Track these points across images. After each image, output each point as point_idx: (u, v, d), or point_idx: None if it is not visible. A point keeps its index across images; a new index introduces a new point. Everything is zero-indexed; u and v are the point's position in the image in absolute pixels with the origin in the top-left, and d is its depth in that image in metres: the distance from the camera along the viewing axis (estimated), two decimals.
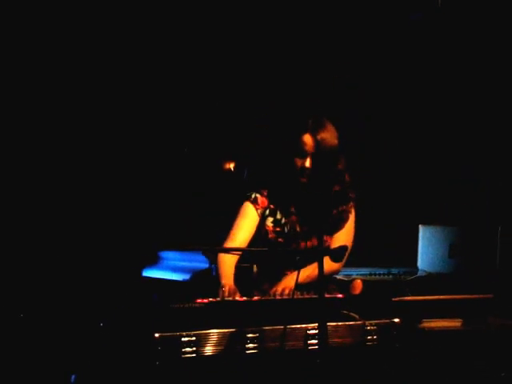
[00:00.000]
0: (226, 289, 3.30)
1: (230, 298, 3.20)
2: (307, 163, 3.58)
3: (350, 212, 3.73)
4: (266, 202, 3.71)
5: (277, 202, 3.71)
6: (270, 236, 3.67)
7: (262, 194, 3.72)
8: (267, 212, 3.70)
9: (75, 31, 5.03)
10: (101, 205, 5.12)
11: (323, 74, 5.63)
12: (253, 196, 3.71)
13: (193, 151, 5.94)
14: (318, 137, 3.57)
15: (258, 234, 3.68)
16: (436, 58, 5.56)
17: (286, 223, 3.68)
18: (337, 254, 3.13)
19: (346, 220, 3.71)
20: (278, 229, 3.68)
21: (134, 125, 5.51)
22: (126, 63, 5.32)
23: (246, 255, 3.70)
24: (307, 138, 3.58)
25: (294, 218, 3.69)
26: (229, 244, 3.61)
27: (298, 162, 3.59)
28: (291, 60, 5.68)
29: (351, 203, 3.74)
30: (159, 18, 5.35)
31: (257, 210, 3.69)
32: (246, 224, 3.68)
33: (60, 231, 4.84)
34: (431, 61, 5.58)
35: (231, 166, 6.31)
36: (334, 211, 3.68)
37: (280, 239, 3.66)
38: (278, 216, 3.70)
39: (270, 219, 3.69)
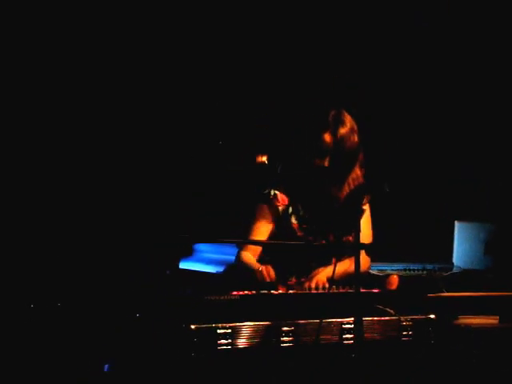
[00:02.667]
0: (264, 270, 3.31)
1: (265, 291, 3.19)
2: (326, 163, 3.53)
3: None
4: (286, 200, 3.65)
5: (298, 198, 3.66)
6: (298, 234, 3.62)
7: (281, 191, 3.67)
8: (290, 210, 3.65)
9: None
10: (138, 198, 5.14)
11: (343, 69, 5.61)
12: (272, 193, 3.65)
13: (227, 144, 5.93)
14: (338, 135, 3.54)
15: (284, 233, 3.64)
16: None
17: (311, 219, 3.64)
18: (371, 249, 3.14)
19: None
20: (304, 226, 3.65)
21: (169, 114, 5.52)
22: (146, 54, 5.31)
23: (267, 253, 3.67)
24: (327, 137, 3.54)
25: (316, 214, 3.65)
26: (248, 248, 3.59)
27: (318, 161, 3.55)
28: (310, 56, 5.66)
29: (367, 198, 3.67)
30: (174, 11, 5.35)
31: (278, 207, 3.62)
32: (263, 225, 3.62)
33: (96, 223, 4.87)
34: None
35: (264, 158, 6.30)
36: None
37: (310, 237, 3.63)
38: (302, 212, 3.65)
39: (294, 216, 3.65)
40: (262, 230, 3.64)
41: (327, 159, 3.53)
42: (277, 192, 3.65)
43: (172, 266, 4.85)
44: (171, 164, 5.46)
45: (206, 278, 4.95)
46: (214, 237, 4.97)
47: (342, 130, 3.54)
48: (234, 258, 5.01)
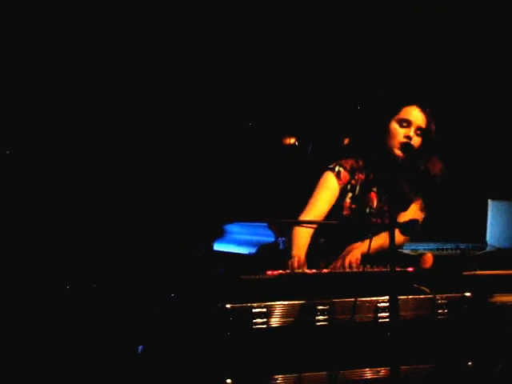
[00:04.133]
0: (296, 260, 3.30)
1: (300, 270, 3.21)
2: (414, 139, 3.56)
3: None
4: (347, 177, 3.67)
5: (362, 175, 3.67)
6: (344, 212, 3.64)
7: (345, 169, 3.68)
8: (348, 187, 3.67)
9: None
10: (173, 182, 5.16)
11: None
12: (336, 169, 3.67)
13: (257, 126, 5.94)
14: (428, 115, 3.59)
15: (332, 209, 3.65)
16: None
17: (363, 199, 3.65)
18: (407, 228, 3.12)
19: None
20: (353, 206, 3.66)
21: (196, 97, 5.54)
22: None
23: (321, 228, 3.67)
24: (415, 110, 3.59)
25: (373, 194, 3.66)
26: (306, 214, 3.58)
27: (401, 131, 3.57)
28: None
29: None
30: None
31: (339, 184, 3.66)
32: (327, 195, 3.63)
33: (135, 207, 4.91)
34: None
35: (293, 140, 6.30)
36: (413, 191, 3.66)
37: (354, 217, 3.63)
38: (357, 192, 3.67)
39: (349, 195, 3.66)
40: (325, 198, 3.64)
41: (414, 135, 3.59)
42: (341, 169, 3.66)
43: (206, 246, 4.88)
44: (209, 143, 5.47)
45: (240, 258, 4.98)
46: (251, 217, 5.00)
47: (432, 126, 3.62)
48: (266, 239, 5.05)
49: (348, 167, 3.68)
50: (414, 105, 3.64)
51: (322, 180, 3.68)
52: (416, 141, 3.59)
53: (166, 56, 5.30)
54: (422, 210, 3.70)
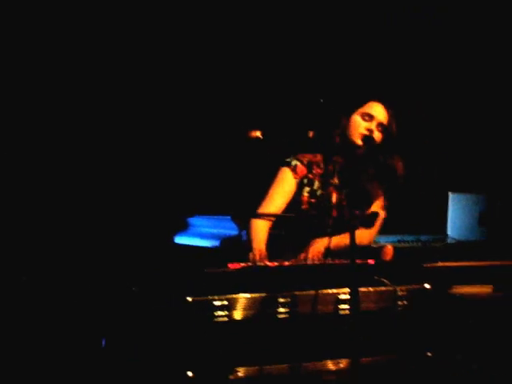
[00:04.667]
0: (257, 253, 3.31)
1: (262, 264, 3.21)
2: (375, 134, 3.58)
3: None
4: (304, 171, 3.68)
5: (320, 170, 3.68)
6: (303, 207, 3.66)
7: (301, 162, 3.69)
8: (305, 181, 3.68)
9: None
10: (133, 172, 5.14)
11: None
12: (293, 163, 3.68)
13: (221, 117, 5.93)
14: (390, 113, 3.62)
15: (291, 204, 3.67)
16: None
17: (321, 195, 3.67)
18: (367, 220, 3.15)
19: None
20: (312, 200, 3.67)
21: (160, 90, 5.51)
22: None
23: (279, 222, 3.68)
24: (378, 106, 3.62)
25: (330, 189, 3.67)
26: (263, 208, 3.61)
27: (363, 124, 3.59)
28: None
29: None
30: None
31: (295, 178, 3.67)
32: (283, 191, 3.65)
33: (92, 199, 4.88)
34: None
35: (258, 133, 6.29)
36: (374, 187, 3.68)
37: (313, 211, 3.64)
38: (315, 186, 3.68)
39: (307, 189, 3.67)
40: (281, 193, 3.66)
41: (376, 130, 3.62)
42: (298, 163, 3.67)
43: (168, 240, 4.86)
44: (172, 135, 5.45)
45: (202, 251, 4.97)
46: (213, 210, 5.00)
47: (392, 113, 3.66)
48: (230, 231, 5.04)
49: (305, 161, 3.69)
50: (378, 101, 3.68)
51: (278, 176, 3.69)
52: (377, 135, 3.62)
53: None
54: (384, 208, 3.72)
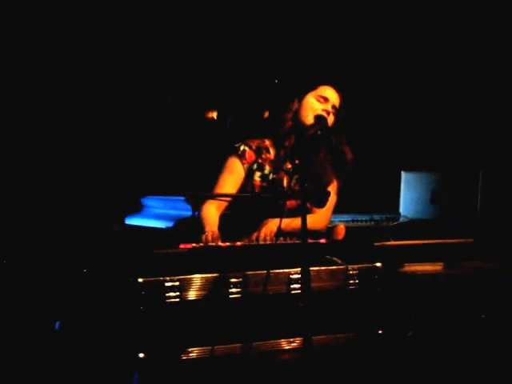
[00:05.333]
0: (209, 234, 3.30)
1: (213, 244, 3.21)
2: (328, 118, 3.58)
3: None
4: (253, 157, 3.66)
5: (270, 155, 3.67)
6: (255, 191, 3.64)
7: (250, 148, 3.67)
8: (255, 166, 3.66)
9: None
10: (83, 153, 5.10)
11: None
12: (241, 148, 3.66)
13: (176, 99, 5.90)
14: (341, 96, 3.62)
15: (243, 190, 3.65)
16: None
17: (273, 179, 3.66)
18: (318, 198, 3.16)
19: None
20: (264, 184, 3.66)
21: (115, 73, 5.47)
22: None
23: (231, 205, 3.66)
24: (331, 89, 3.63)
25: (282, 174, 3.66)
26: (213, 200, 3.59)
27: (318, 106, 3.59)
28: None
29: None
30: None
31: (243, 164, 3.64)
32: (232, 180, 3.63)
33: (42, 179, 4.83)
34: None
35: (214, 114, 6.28)
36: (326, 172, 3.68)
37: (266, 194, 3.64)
38: (266, 171, 3.66)
39: (258, 174, 3.65)
40: (230, 181, 3.64)
41: (330, 113, 3.61)
42: (246, 148, 3.65)
43: (119, 220, 4.83)
44: (119, 119, 5.42)
45: (155, 232, 4.95)
46: (167, 191, 4.98)
47: (342, 97, 3.66)
48: (184, 212, 5.03)
49: (254, 146, 3.67)
50: (330, 85, 3.68)
51: (226, 164, 3.66)
52: (330, 119, 3.62)
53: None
54: (336, 193, 3.73)
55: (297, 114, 3.65)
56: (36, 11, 4.85)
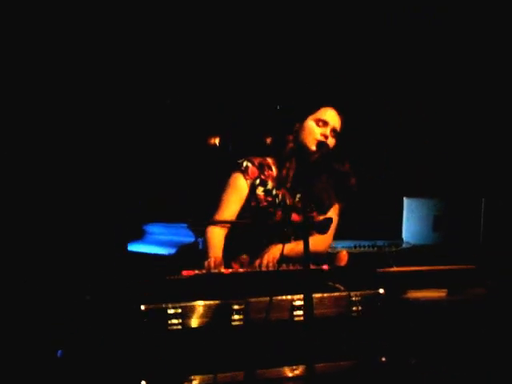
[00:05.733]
0: (212, 260, 3.29)
1: (216, 271, 3.20)
2: (329, 140, 3.59)
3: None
4: (256, 173, 3.67)
5: (272, 172, 3.69)
6: (262, 205, 3.64)
7: (253, 164, 3.68)
8: (257, 182, 3.67)
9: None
10: (86, 181, 5.10)
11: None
12: (244, 165, 3.66)
13: (178, 124, 5.92)
14: (343, 119, 3.64)
15: (247, 205, 3.66)
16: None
17: (277, 194, 3.66)
18: (321, 226, 3.16)
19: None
20: (269, 198, 3.66)
21: (119, 98, 5.49)
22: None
23: (235, 228, 3.67)
24: (332, 111, 3.63)
25: (283, 190, 3.67)
26: (218, 216, 3.59)
27: (317, 130, 3.60)
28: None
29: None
30: None
31: (246, 180, 3.65)
32: (236, 196, 3.64)
33: (44, 207, 4.83)
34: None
35: (216, 140, 6.30)
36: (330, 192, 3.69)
37: (271, 209, 3.64)
38: (269, 186, 3.67)
39: (261, 188, 3.66)
40: (234, 198, 3.64)
41: (330, 135, 3.62)
42: (249, 164, 3.66)
43: (121, 247, 4.83)
44: (122, 146, 5.43)
45: (158, 259, 4.95)
46: (170, 218, 4.98)
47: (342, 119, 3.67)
48: (186, 239, 5.03)
49: (256, 163, 3.68)
50: (331, 107, 3.68)
51: (230, 181, 3.67)
52: (331, 141, 3.63)
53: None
54: (338, 215, 3.74)
55: (298, 137, 3.66)
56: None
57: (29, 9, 4.86)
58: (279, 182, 3.67)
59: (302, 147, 3.63)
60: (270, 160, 3.73)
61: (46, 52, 4.94)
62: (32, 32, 4.87)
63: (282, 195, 3.66)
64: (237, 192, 3.65)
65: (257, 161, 3.70)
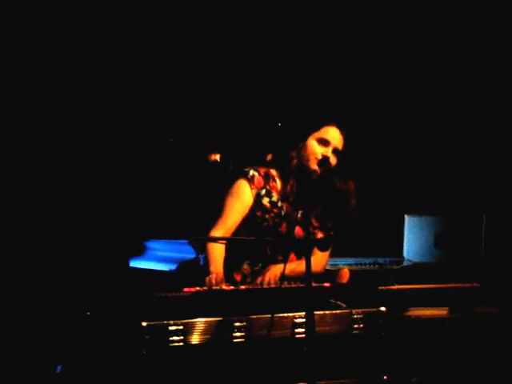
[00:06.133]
0: (213, 277, 3.28)
1: (217, 287, 3.19)
2: (330, 157, 3.59)
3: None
4: (262, 182, 3.65)
5: (276, 184, 3.67)
6: (267, 216, 3.62)
7: (259, 173, 3.65)
8: (263, 192, 3.65)
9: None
10: (87, 196, 5.10)
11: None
12: (250, 173, 3.63)
13: (179, 141, 5.93)
14: (343, 138, 3.63)
15: (251, 214, 3.63)
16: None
17: (282, 206, 3.65)
18: (323, 243, 3.16)
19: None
20: (275, 210, 3.64)
21: (120, 115, 5.50)
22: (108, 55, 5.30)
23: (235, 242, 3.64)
24: (334, 130, 3.62)
25: (287, 204, 3.66)
26: (220, 225, 3.54)
27: (319, 150, 3.60)
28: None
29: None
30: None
31: (252, 189, 3.62)
32: (240, 205, 3.60)
33: (45, 222, 4.83)
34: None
35: (217, 157, 6.29)
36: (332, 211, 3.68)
37: (276, 219, 3.63)
38: (274, 198, 3.66)
39: (267, 199, 3.64)
40: (238, 208, 3.61)
41: (331, 153, 3.60)
42: (255, 173, 3.64)
43: (122, 263, 4.82)
44: (122, 162, 5.42)
45: (159, 275, 4.94)
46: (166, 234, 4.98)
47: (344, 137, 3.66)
48: (187, 255, 5.02)
49: (262, 172, 3.66)
50: (333, 125, 3.67)
51: (234, 188, 3.63)
52: (332, 160, 3.61)
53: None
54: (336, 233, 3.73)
55: (300, 154, 3.65)
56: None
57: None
58: (283, 196, 3.65)
59: (303, 165, 3.62)
60: (273, 172, 3.70)
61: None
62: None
63: (287, 208, 3.65)
64: (241, 200, 3.61)
65: (262, 171, 3.67)
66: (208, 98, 5.84)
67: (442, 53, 5.60)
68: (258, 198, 3.62)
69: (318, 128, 3.65)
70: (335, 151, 3.62)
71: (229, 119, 5.94)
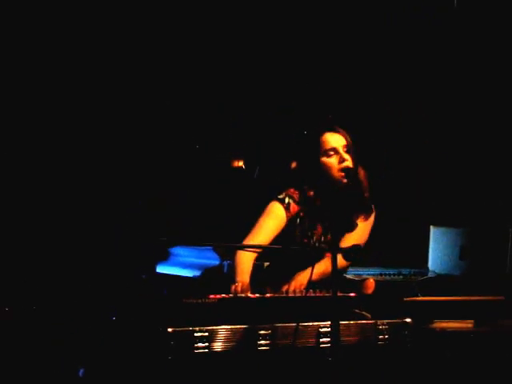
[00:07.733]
0: (239, 285, 3.29)
1: (243, 295, 3.20)
2: (348, 163, 3.57)
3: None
4: (296, 209, 3.64)
5: (310, 206, 3.64)
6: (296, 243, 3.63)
7: (294, 201, 3.63)
8: (298, 221, 3.64)
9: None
10: (115, 203, 5.12)
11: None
12: (286, 201, 3.62)
13: (204, 148, 5.94)
14: (347, 137, 3.61)
15: (283, 237, 3.61)
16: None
17: (312, 235, 3.64)
18: (349, 253, 3.15)
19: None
20: (305, 240, 3.65)
21: (145, 119, 5.52)
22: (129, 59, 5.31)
23: (265, 253, 3.64)
24: (331, 136, 3.60)
25: (319, 229, 3.65)
26: (249, 242, 3.57)
27: (334, 161, 3.57)
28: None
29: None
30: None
31: (287, 215, 3.60)
32: (272, 225, 3.59)
33: (74, 227, 4.85)
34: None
35: (240, 163, 6.31)
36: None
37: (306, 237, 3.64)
38: (306, 225, 3.65)
39: (299, 229, 3.64)
40: (271, 227, 3.59)
41: (349, 159, 3.57)
42: (291, 201, 3.63)
43: (149, 269, 4.83)
44: (150, 168, 5.45)
45: (184, 281, 4.95)
46: (192, 240, 4.98)
47: (345, 133, 3.61)
48: (212, 262, 5.03)
49: (297, 199, 3.64)
50: (328, 131, 3.63)
51: (268, 209, 3.62)
52: (349, 160, 3.57)
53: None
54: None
55: (324, 175, 3.62)
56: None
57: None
58: (313, 217, 3.63)
59: (332, 183, 3.58)
60: (311, 191, 3.63)
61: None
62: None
63: (317, 235, 3.64)
64: (274, 221, 3.59)
65: (296, 195, 3.64)
66: (231, 103, 5.86)
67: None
68: (291, 225, 3.62)
69: (318, 144, 3.61)
70: (346, 148, 3.58)
71: (253, 125, 5.95)
